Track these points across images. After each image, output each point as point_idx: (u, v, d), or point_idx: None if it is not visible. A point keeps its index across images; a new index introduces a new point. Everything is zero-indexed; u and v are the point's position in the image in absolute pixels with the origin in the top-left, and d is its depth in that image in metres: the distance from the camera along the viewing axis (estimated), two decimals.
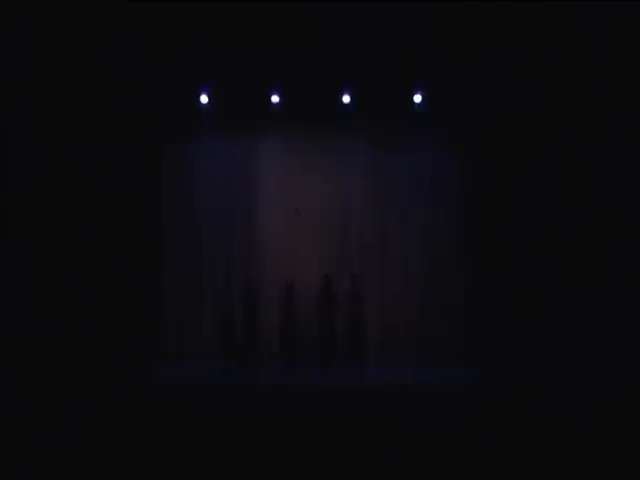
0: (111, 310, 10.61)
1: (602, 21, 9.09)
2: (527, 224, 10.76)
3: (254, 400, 8.62)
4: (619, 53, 9.36)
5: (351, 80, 10.87)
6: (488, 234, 11.27)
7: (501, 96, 10.66)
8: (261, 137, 11.85)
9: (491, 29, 9.76)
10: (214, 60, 10.40)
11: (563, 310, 10.11)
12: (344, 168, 11.83)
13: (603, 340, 9.51)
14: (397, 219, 11.86)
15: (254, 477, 6.22)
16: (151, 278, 11.40)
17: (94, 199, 10.63)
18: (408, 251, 11.81)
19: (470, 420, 7.59)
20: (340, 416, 7.80)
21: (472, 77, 10.68)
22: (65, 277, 9.99)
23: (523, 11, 9.33)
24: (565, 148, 10.29)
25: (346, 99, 11.14)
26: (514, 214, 10.89)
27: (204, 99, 11.20)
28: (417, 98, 11.15)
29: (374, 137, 11.77)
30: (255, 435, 7.22)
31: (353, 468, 6.39)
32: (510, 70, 10.30)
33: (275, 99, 11.18)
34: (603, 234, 9.80)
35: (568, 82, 9.92)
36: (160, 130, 11.59)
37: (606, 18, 9.02)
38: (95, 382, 9.10)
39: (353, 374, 10.57)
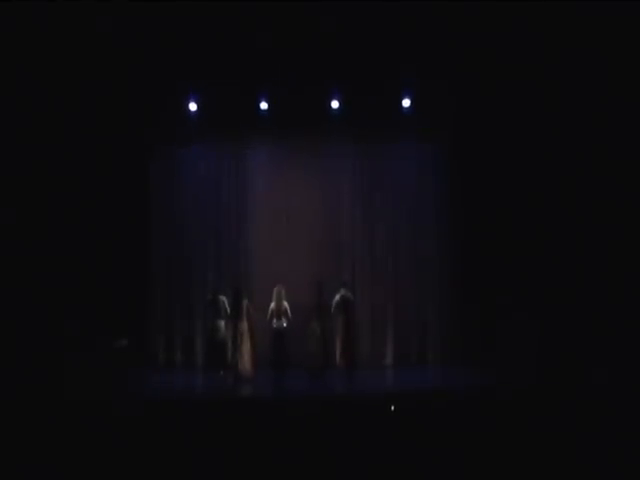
0: (97, 317, 10.44)
1: (590, 23, 9.14)
2: (513, 226, 10.78)
3: (246, 411, 8.47)
4: (608, 56, 9.41)
5: (338, 85, 10.88)
6: (474, 236, 11.31)
7: (488, 100, 10.69)
8: (250, 143, 11.89)
9: (477, 31, 9.81)
10: (203, 67, 10.35)
11: (551, 310, 10.08)
12: (332, 173, 11.88)
13: (588, 339, 9.49)
14: (386, 223, 11.90)
15: None
16: (138, 285, 11.33)
17: (82, 206, 10.52)
18: (397, 254, 11.87)
19: (463, 421, 7.54)
20: (336, 425, 7.67)
21: (459, 81, 10.71)
22: (49, 283, 9.83)
23: (509, 11, 9.38)
24: (553, 150, 10.32)
25: (334, 104, 11.13)
26: (500, 217, 10.90)
27: (193, 106, 11.13)
28: (405, 102, 11.18)
29: (362, 141, 11.85)
30: (247, 447, 7.10)
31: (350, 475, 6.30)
32: (497, 73, 10.34)
33: (263, 105, 11.13)
34: (588, 234, 9.80)
35: (555, 83, 9.95)
36: (150, 137, 11.58)
37: (596, 21, 9.08)
38: (82, 393, 8.95)
39: (346, 381, 10.45)
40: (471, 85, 10.73)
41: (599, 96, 9.55)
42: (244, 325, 10.47)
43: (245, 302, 10.56)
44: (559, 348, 9.62)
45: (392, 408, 7.83)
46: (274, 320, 10.58)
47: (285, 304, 10.60)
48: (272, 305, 10.61)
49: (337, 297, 10.83)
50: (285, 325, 10.57)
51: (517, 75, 10.23)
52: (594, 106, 9.68)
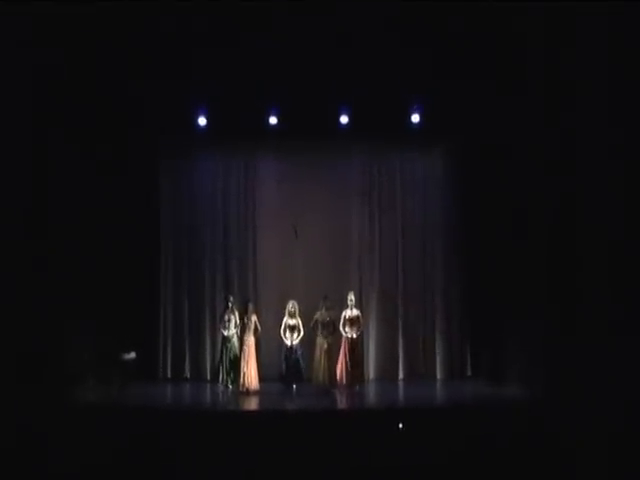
0: (106, 330, 10.45)
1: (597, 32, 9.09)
2: (524, 238, 10.69)
3: (253, 424, 8.45)
4: (609, 63, 9.34)
5: (347, 98, 10.90)
6: (484, 250, 11.22)
7: (497, 112, 10.65)
8: (259, 158, 11.95)
9: (484, 42, 9.82)
10: (212, 79, 10.41)
11: (563, 322, 9.96)
12: (341, 187, 11.88)
13: (598, 349, 9.35)
14: (395, 238, 11.90)
15: None
16: (147, 299, 11.38)
17: (90, 222, 10.52)
18: (405, 269, 11.85)
19: (468, 435, 7.48)
20: (342, 440, 7.63)
21: (468, 94, 10.69)
22: (59, 294, 9.83)
23: (511, 22, 9.42)
24: (565, 163, 10.22)
25: (343, 119, 11.14)
26: (511, 228, 10.82)
27: (202, 120, 11.15)
28: (414, 117, 11.17)
29: (371, 156, 11.90)
30: (255, 461, 7.07)
31: None
32: (505, 85, 10.31)
33: (273, 120, 11.15)
34: (595, 242, 9.66)
35: (562, 93, 9.88)
36: (159, 151, 11.63)
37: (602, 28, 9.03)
38: (89, 404, 8.95)
39: (353, 396, 10.40)
40: (481, 97, 10.69)
41: (617, 108, 9.41)
42: (251, 339, 10.51)
43: (253, 317, 10.59)
44: (569, 359, 9.49)
45: (400, 426, 7.81)
46: (286, 335, 10.59)
47: (298, 319, 10.59)
48: (287, 320, 10.61)
49: (344, 313, 10.78)
50: (297, 341, 10.56)
51: (527, 85, 10.19)
52: (609, 116, 9.55)
